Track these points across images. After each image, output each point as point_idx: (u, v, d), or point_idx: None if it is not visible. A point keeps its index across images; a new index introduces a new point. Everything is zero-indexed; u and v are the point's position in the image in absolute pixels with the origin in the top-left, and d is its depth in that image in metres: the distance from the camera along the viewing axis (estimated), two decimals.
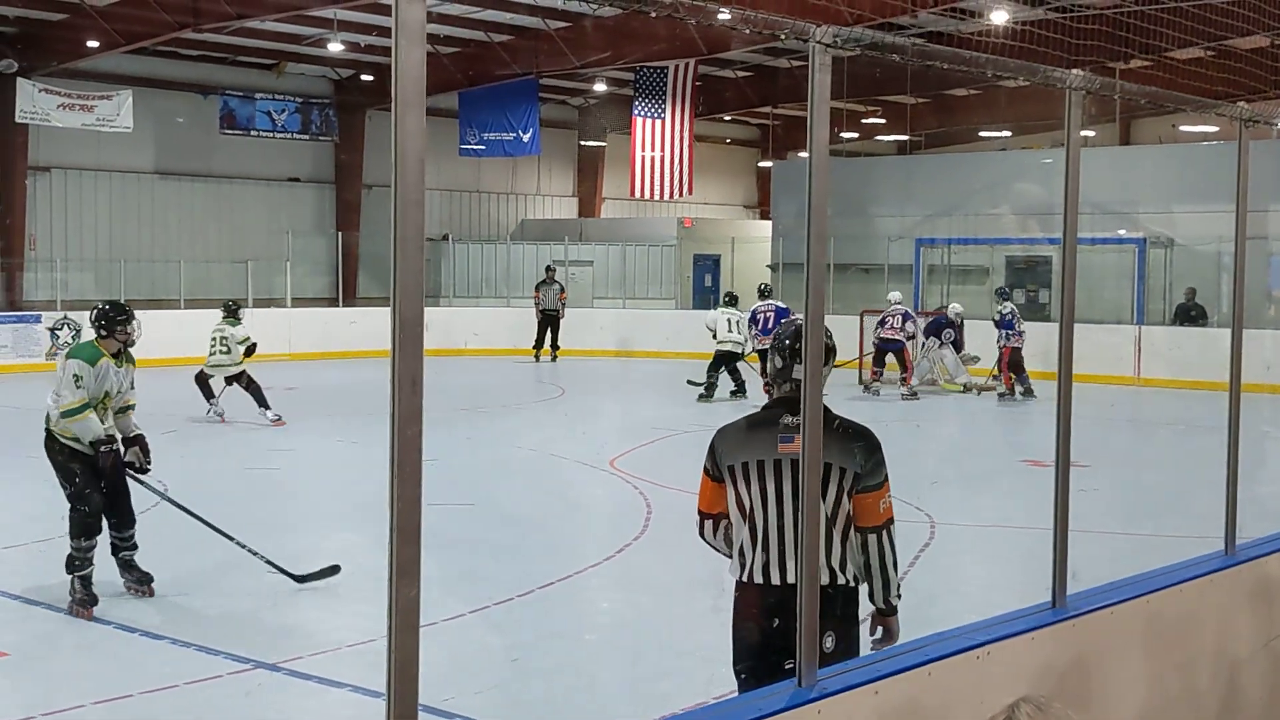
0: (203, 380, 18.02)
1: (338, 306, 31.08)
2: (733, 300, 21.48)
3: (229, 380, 17.82)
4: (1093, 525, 10.64)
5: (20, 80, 26.71)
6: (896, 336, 21.13)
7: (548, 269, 28.51)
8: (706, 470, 4.68)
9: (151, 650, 7.50)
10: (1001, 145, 34.83)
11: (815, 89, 3.31)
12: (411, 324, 2.54)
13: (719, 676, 7.10)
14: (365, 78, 32.55)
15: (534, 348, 27.24)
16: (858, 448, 4.42)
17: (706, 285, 33.65)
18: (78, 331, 24.92)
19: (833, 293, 27.84)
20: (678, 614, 8.55)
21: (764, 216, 39.76)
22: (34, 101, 26.71)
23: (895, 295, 22.42)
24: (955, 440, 18.02)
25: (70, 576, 8.34)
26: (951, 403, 21.07)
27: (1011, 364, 20.99)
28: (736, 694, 4.62)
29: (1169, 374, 22.67)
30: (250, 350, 17.95)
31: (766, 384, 4.87)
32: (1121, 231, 26.64)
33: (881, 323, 21.39)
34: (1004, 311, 21.43)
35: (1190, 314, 24.32)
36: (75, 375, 8.49)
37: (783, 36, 3.19)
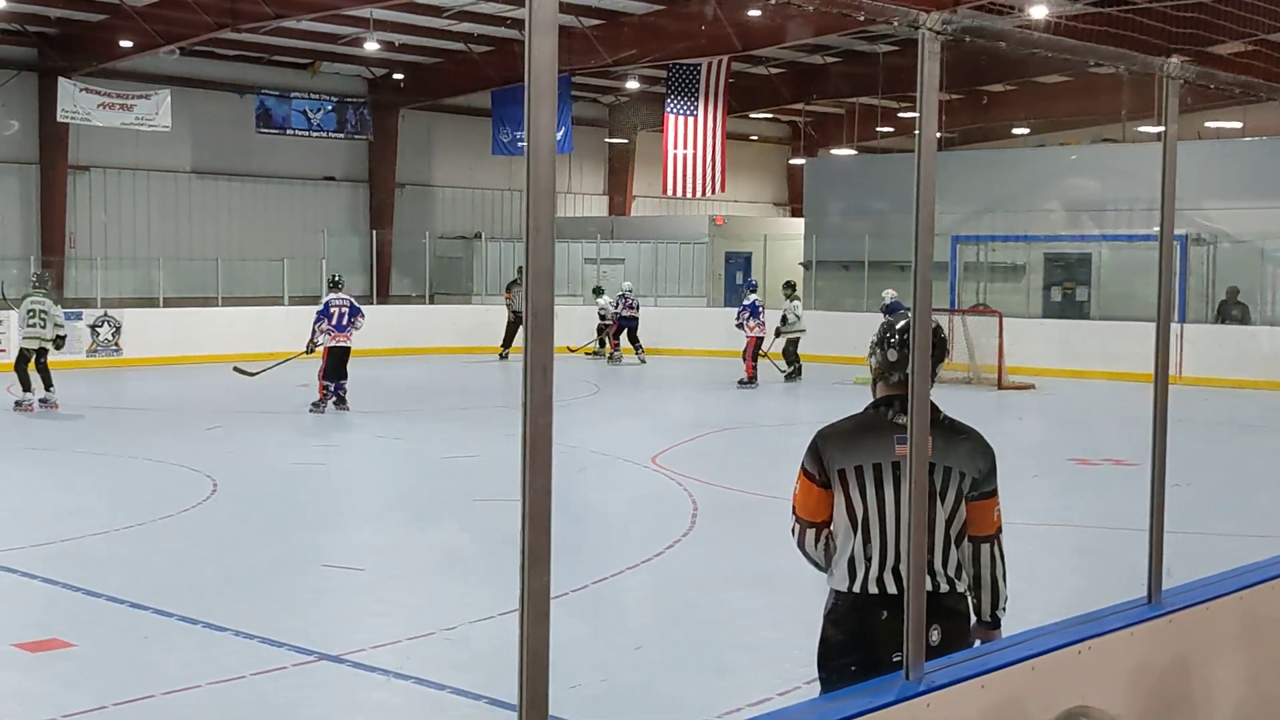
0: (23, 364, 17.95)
1: (371, 304, 31.16)
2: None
3: (39, 354, 17.80)
4: (1144, 524, 10.58)
5: (61, 80, 26.91)
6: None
7: (520, 270, 28.49)
8: (810, 475, 4.29)
9: (215, 642, 7.51)
10: (1039, 141, 34.68)
11: (924, 77, 3.29)
12: (543, 313, 2.52)
13: (785, 673, 7.11)
14: (396, 76, 32.60)
15: (502, 346, 27.26)
16: (975, 450, 4.27)
17: (738, 283, 33.59)
18: (118, 329, 25.06)
19: (867, 289, 27.82)
20: (734, 610, 8.53)
21: (794, 214, 39.71)
22: (74, 101, 26.93)
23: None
24: (997, 438, 17.90)
25: None
26: (992, 399, 20.98)
27: (754, 352, 22.72)
28: (818, 692, 4.52)
29: (1210, 372, 22.52)
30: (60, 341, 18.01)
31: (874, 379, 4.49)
32: (1156, 229, 26.45)
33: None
34: (755, 303, 23.13)
35: (1231, 313, 24.19)
36: None
37: (895, 24, 3.17)
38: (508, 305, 27.53)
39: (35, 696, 6.68)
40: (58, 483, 13.29)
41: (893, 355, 4.29)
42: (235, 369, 19.59)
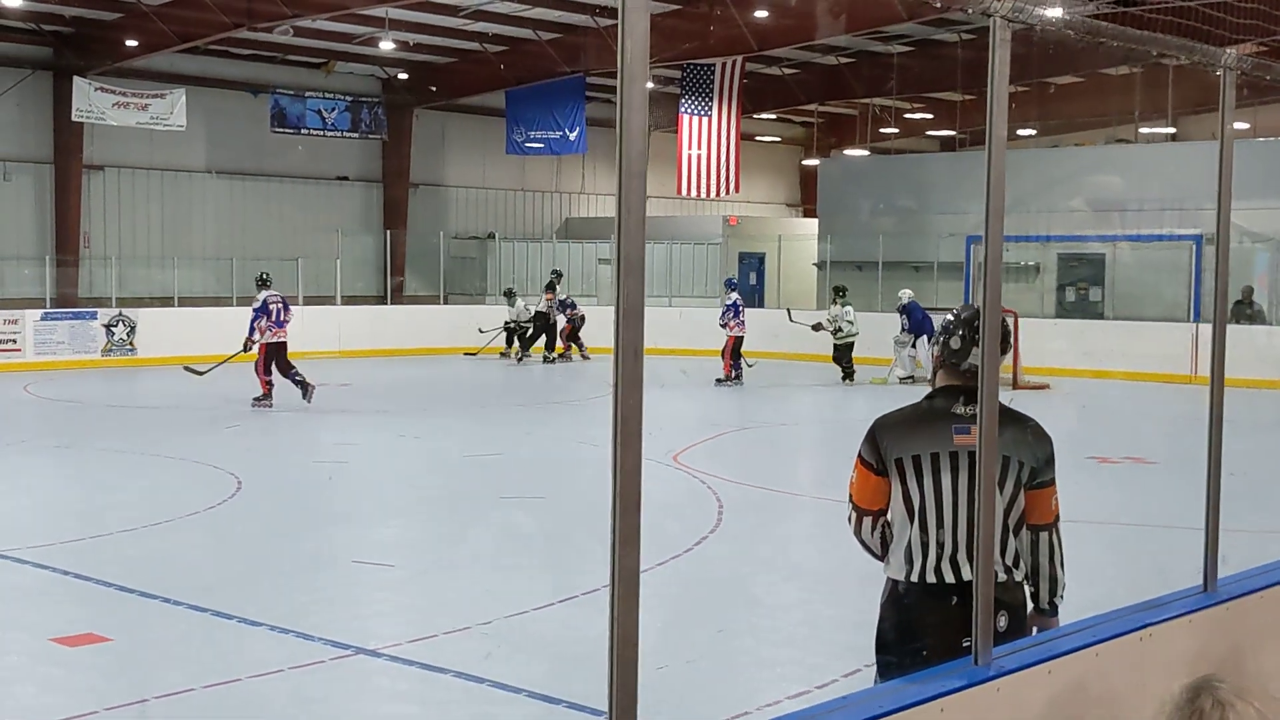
0: None
1: (385, 304, 31.22)
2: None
3: None
4: (1171, 520, 10.63)
5: (76, 79, 26.93)
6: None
7: (555, 273, 28.49)
8: (867, 464, 4.29)
9: (249, 636, 7.53)
10: (1053, 142, 34.70)
11: (995, 64, 3.29)
12: (634, 295, 2.54)
13: (820, 665, 7.14)
14: (401, 76, 32.59)
15: (521, 348, 27.16)
16: (1033, 440, 4.27)
17: (751, 283, 33.61)
18: (132, 328, 25.10)
19: (881, 289, 27.84)
20: (765, 604, 8.55)
21: (807, 214, 39.72)
22: (89, 100, 26.95)
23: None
24: None
25: None
26: (1007, 400, 20.93)
27: (733, 351, 22.66)
28: (873, 680, 4.53)
29: (1226, 372, 22.46)
30: None
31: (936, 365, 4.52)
32: (1166, 230, 26.61)
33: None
34: (736, 302, 23.07)
35: (1246, 312, 24.18)
36: None
37: (969, 11, 3.18)
38: (548, 305, 27.42)
39: (76, 690, 6.69)
40: (83, 480, 13.34)
41: (955, 343, 4.30)
42: (185, 369, 19.90)
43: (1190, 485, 12.95)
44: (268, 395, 18.32)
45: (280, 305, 18.55)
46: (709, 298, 31.84)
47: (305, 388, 18.26)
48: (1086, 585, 8.71)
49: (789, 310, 24.10)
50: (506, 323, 27.52)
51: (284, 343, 18.45)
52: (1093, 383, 22.83)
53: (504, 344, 27.64)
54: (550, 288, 27.47)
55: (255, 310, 18.52)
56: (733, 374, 22.51)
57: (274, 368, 18.36)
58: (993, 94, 3.33)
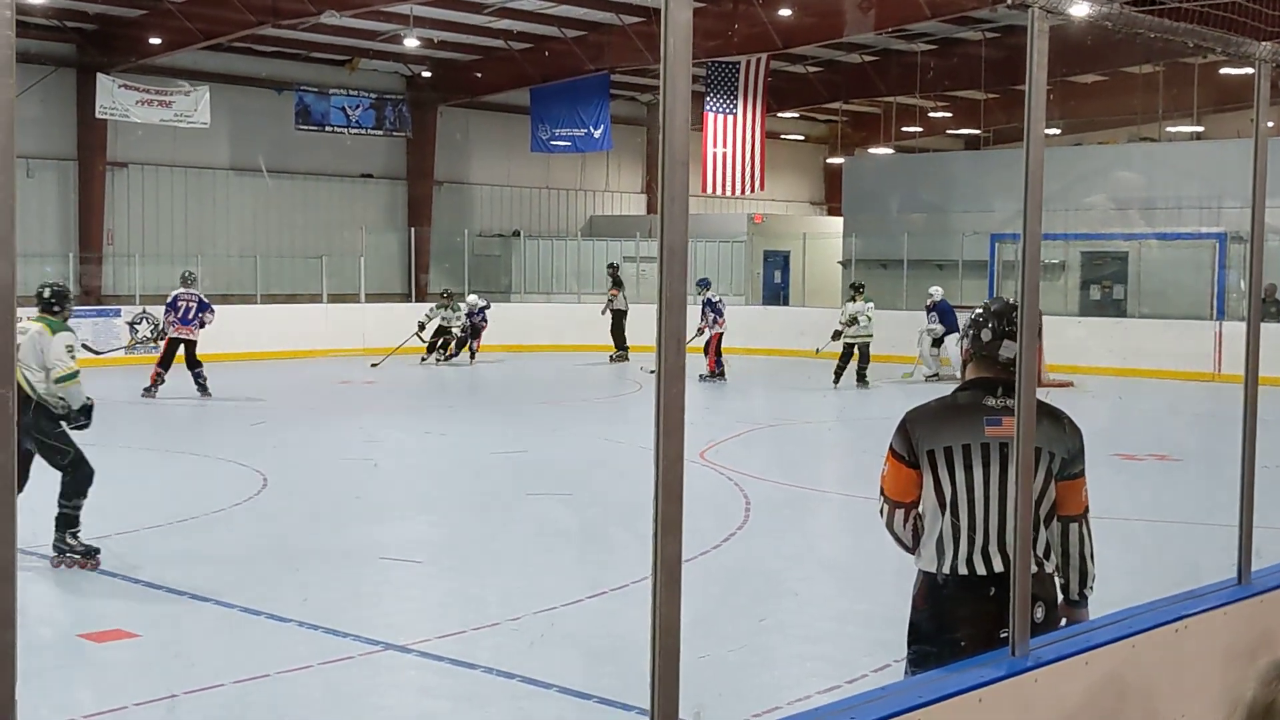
0: None
1: (410, 301, 31.23)
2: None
3: None
4: (1196, 516, 10.61)
5: (100, 76, 27.01)
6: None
7: (609, 266, 28.26)
8: (899, 456, 4.30)
9: (278, 632, 7.56)
10: (1076, 140, 34.59)
11: (1034, 55, 3.29)
12: (676, 284, 2.55)
13: (849, 660, 7.14)
14: (425, 73, 32.64)
15: (622, 348, 26.57)
16: (1064, 431, 4.27)
17: (776, 281, 33.60)
18: (156, 325, 25.14)
19: (906, 288, 27.82)
20: (793, 600, 8.55)
21: (832, 213, 39.69)
22: (113, 97, 26.99)
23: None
24: None
25: (64, 534, 9.01)
26: None
27: (718, 347, 22.49)
28: (904, 672, 4.52)
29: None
30: None
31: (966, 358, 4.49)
32: (1189, 228, 26.54)
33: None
34: (713, 299, 22.84)
35: (1270, 310, 24.06)
36: (69, 346, 9.00)
37: (1008, 3, 3.18)
38: (609, 304, 27.00)
39: (105, 685, 6.74)
40: (108, 477, 13.17)
41: (986, 336, 4.30)
42: (84, 345, 20.22)
43: (1215, 482, 12.92)
44: (154, 386, 19.04)
45: (193, 304, 19.22)
46: (733, 296, 31.80)
47: (204, 388, 19.09)
48: (1114, 580, 8.71)
49: (818, 349, 23.23)
50: (420, 320, 26.11)
51: (192, 340, 19.16)
52: (1116, 380, 22.78)
53: (429, 347, 26.13)
54: (617, 283, 27.16)
55: (166, 305, 19.38)
56: (717, 370, 22.30)
57: (173, 363, 19.12)
58: (1031, 85, 3.33)
